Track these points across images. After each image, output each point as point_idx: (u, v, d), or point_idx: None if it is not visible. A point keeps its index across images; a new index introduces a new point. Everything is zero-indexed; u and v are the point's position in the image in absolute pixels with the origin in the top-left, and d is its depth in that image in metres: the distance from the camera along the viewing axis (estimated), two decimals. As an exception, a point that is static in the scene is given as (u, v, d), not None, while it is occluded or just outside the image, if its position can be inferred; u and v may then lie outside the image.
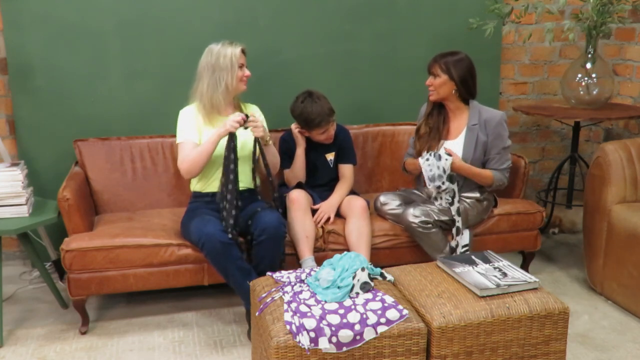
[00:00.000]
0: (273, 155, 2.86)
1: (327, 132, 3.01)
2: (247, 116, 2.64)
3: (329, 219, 2.91)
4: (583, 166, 3.59)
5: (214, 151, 2.69)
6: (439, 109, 2.96)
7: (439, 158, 2.79)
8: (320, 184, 3.09)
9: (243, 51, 2.79)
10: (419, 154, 2.96)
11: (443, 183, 2.80)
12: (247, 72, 2.80)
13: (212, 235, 2.53)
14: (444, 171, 2.79)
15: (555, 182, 3.78)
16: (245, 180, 2.82)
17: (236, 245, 2.59)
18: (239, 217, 2.65)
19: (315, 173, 3.09)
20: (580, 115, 3.41)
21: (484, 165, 2.92)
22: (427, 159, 2.82)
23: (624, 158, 2.94)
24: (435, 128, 2.95)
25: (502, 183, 2.92)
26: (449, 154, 2.80)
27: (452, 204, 2.84)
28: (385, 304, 2.04)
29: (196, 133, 2.77)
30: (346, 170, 3.11)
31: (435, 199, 2.89)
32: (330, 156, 3.12)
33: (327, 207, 2.94)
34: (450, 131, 2.95)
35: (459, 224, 2.84)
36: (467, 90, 2.88)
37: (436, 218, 2.81)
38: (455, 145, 2.90)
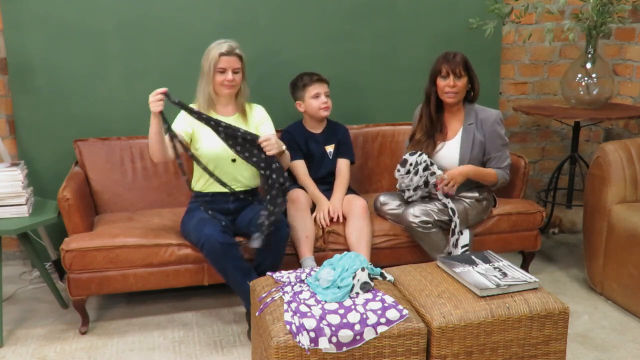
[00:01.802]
0: (286, 162, 2.83)
1: (320, 98, 3.02)
2: (167, 92, 2.48)
3: (338, 217, 2.92)
4: (583, 166, 3.59)
5: (157, 132, 2.55)
6: (436, 113, 2.92)
7: (432, 174, 2.82)
8: (319, 176, 3.09)
9: (229, 53, 2.70)
10: None
11: (410, 189, 2.85)
12: (229, 77, 2.71)
13: (211, 236, 2.53)
14: (425, 184, 2.83)
15: (555, 182, 3.78)
16: (246, 180, 2.82)
17: (236, 246, 2.59)
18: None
19: (316, 164, 3.10)
20: (580, 115, 3.41)
21: (484, 165, 2.92)
22: (408, 171, 2.83)
23: (624, 158, 2.94)
24: (430, 134, 2.92)
25: (505, 180, 2.94)
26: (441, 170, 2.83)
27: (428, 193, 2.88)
28: (385, 304, 2.04)
29: (186, 127, 2.74)
30: (343, 166, 3.12)
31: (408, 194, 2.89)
32: (330, 148, 3.14)
33: (336, 208, 2.93)
34: (448, 132, 2.94)
35: (450, 205, 2.83)
36: (477, 90, 2.90)
37: (436, 218, 2.81)
38: (452, 145, 2.90)
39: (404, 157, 2.87)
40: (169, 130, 2.55)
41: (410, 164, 2.83)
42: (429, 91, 2.91)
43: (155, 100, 2.49)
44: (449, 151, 2.90)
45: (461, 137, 2.90)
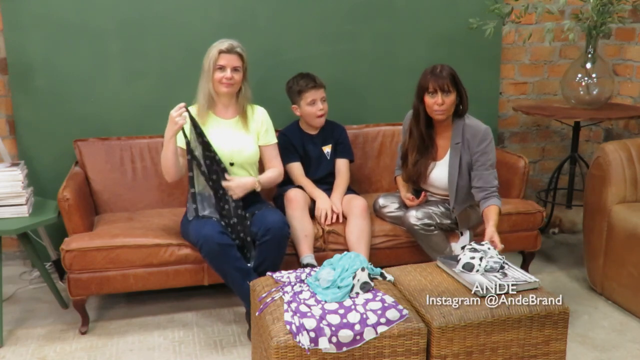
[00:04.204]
0: (268, 184, 2.85)
1: (316, 104, 3.01)
2: (186, 107, 2.56)
3: (338, 216, 2.92)
4: (583, 166, 3.59)
5: (173, 151, 2.61)
6: (426, 128, 2.76)
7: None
8: (318, 177, 3.10)
9: (230, 51, 2.70)
10: (407, 180, 2.88)
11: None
12: (227, 74, 2.70)
13: (210, 237, 2.53)
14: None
15: (555, 182, 3.78)
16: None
17: (235, 246, 2.59)
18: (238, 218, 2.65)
19: (314, 166, 3.11)
20: (580, 115, 3.41)
21: (470, 185, 2.73)
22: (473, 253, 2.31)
23: (624, 158, 2.94)
24: (423, 153, 2.78)
25: (500, 200, 2.66)
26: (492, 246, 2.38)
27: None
28: (385, 304, 2.04)
29: (183, 137, 2.68)
30: (342, 165, 3.13)
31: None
32: (327, 148, 3.14)
33: (337, 206, 2.94)
34: (438, 150, 2.81)
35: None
36: (465, 104, 2.72)
37: (438, 221, 2.80)
38: (441, 166, 2.80)
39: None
40: (189, 151, 2.60)
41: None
42: (417, 108, 2.74)
43: (179, 115, 2.52)
44: (438, 173, 2.80)
45: (449, 158, 2.76)
